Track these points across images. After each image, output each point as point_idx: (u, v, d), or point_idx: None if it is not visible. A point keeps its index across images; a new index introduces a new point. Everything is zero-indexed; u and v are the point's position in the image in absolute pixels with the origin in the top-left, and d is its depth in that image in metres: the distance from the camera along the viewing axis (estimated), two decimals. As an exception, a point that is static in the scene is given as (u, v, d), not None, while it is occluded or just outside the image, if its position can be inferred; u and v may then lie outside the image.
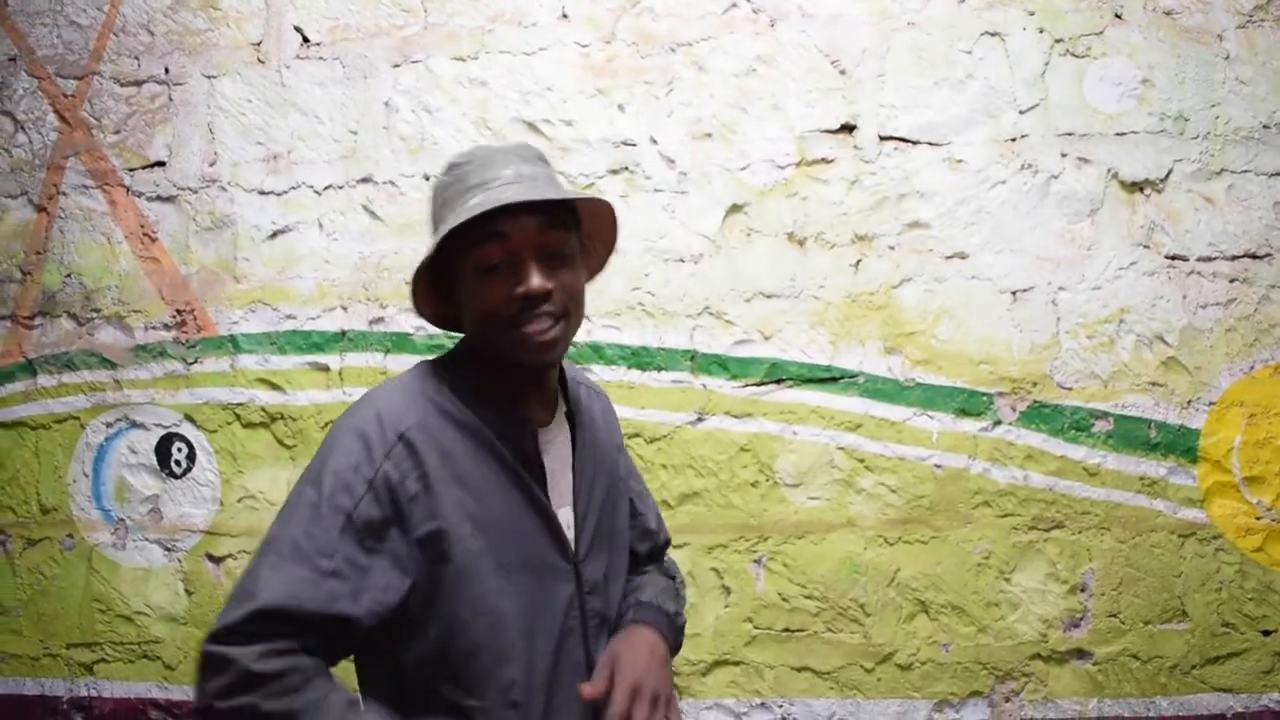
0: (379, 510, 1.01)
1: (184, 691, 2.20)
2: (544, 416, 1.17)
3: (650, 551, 1.39)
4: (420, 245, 2.16)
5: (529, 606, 1.09)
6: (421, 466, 1.03)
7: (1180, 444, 1.99)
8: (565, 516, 1.15)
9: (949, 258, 2.04)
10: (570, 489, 1.17)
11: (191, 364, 2.24)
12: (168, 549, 2.22)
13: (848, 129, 2.08)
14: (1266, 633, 1.95)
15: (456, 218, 1.05)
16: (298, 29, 2.26)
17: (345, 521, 1.00)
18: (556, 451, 1.17)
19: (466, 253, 1.07)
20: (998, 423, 2.01)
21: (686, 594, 1.34)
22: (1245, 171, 2.01)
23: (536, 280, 1.05)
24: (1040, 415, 2.01)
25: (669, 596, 1.29)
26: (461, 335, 1.18)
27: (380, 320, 2.17)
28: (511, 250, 1.06)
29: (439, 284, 1.14)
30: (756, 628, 2.04)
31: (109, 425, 2.27)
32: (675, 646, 1.25)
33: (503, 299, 1.06)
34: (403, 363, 2.15)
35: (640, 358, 2.10)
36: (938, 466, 2.01)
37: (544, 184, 1.10)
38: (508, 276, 1.06)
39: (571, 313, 1.10)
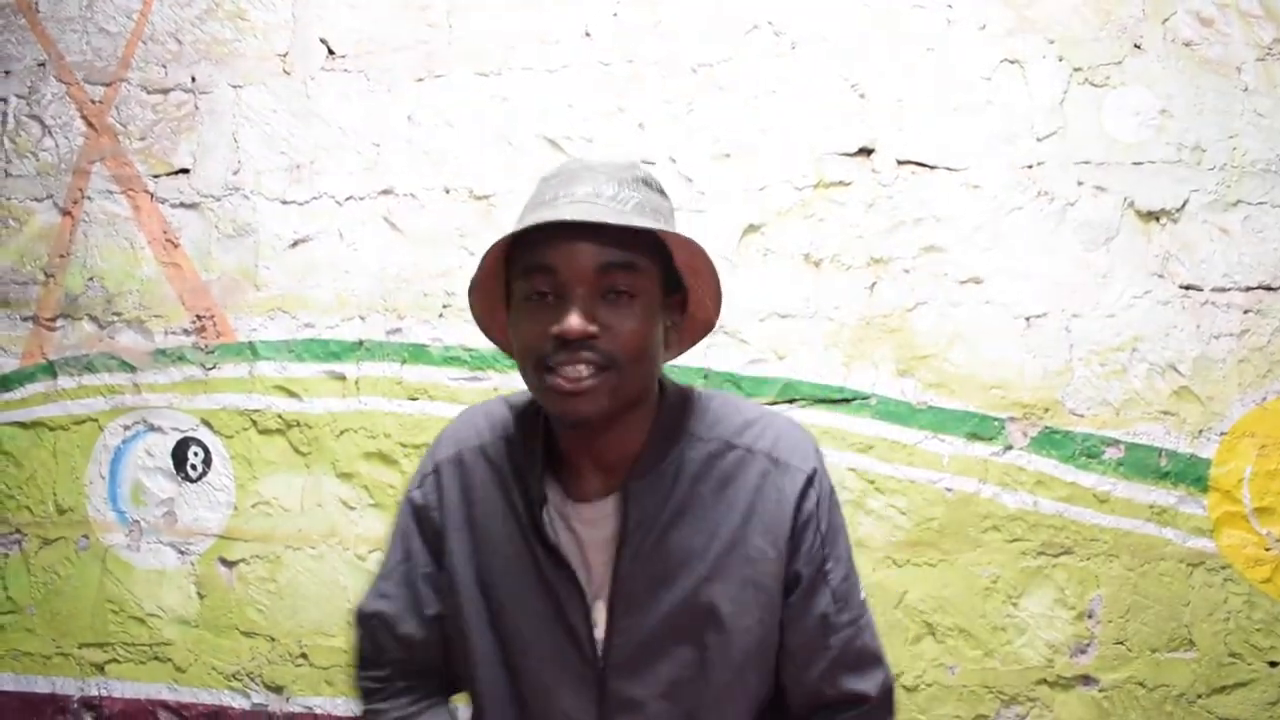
0: (415, 530, 1.07)
1: (193, 694, 2.22)
2: (598, 482, 0.98)
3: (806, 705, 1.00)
4: (437, 257, 2.19)
5: (534, 694, 0.97)
6: (442, 503, 1.04)
7: (1191, 473, 1.99)
8: (599, 612, 0.96)
9: (964, 282, 2.06)
10: (610, 578, 0.96)
11: (210, 369, 2.26)
12: (181, 552, 2.24)
13: (866, 152, 2.10)
14: (1273, 664, 1.95)
15: (498, 239, 0.91)
16: (323, 41, 2.28)
17: (397, 538, 1.08)
18: (602, 530, 0.97)
19: (516, 279, 0.93)
20: (1009, 448, 2.02)
21: None
22: (1261, 203, 2.02)
23: (575, 320, 0.86)
24: (1051, 441, 2.01)
25: None
26: None
27: (398, 331, 2.19)
28: (559, 284, 0.88)
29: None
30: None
31: (127, 428, 2.29)
32: None
33: (538, 335, 0.89)
34: (419, 374, 2.17)
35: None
36: (948, 490, 2.02)
37: (622, 209, 0.90)
38: (552, 310, 0.89)
39: (623, 365, 0.89)
